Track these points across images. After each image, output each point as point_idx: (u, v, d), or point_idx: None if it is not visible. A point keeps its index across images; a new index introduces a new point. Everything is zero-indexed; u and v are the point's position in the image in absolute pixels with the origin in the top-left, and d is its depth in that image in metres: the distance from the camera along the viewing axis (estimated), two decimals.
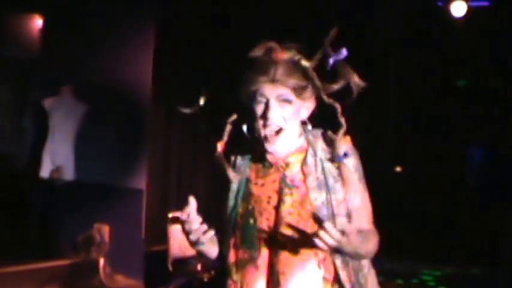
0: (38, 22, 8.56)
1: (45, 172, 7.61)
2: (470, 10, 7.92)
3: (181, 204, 7.68)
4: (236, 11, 8.35)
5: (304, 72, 2.29)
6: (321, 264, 2.30)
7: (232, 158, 2.54)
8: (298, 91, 2.30)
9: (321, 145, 2.36)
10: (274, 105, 2.30)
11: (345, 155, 2.31)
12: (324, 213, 2.26)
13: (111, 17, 7.63)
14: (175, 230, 6.49)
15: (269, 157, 2.39)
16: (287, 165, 2.37)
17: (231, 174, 2.44)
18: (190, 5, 8.32)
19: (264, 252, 2.35)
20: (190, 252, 6.48)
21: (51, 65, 7.82)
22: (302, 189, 2.33)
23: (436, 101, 9.22)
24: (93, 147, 7.54)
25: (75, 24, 7.70)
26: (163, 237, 6.65)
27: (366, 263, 2.37)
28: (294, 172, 2.36)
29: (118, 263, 7.03)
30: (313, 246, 2.17)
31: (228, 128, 2.52)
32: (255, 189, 2.41)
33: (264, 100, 2.32)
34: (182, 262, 6.47)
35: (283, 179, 2.36)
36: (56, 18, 7.95)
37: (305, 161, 2.35)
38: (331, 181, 2.31)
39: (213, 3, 8.39)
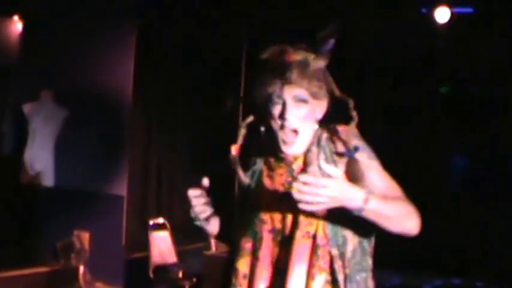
0: (17, 27, 8.57)
1: (25, 178, 7.60)
2: (454, 16, 7.97)
3: (161, 212, 7.75)
4: (217, 18, 8.38)
5: (317, 72, 2.33)
6: (314, 253, 2.30)
7: (250, 159, 2.57)
8: (313, 91, 2.33)
9: (324, 134, 2.39)
10: (290, 105, 2.32)
11: (356, 149, 2.30)
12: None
13: (91, 22, 7.63)
14: (156, 237, 6.61)
15: (281, 154, 2.40)
16: (295, 159, 2.40)
17: (243, 177, 2.51)
18: (172, 11, 8.34)
19: (267, 243, 2.38)
20: (172, 259, 6.61)
21: (30, 69, 7.84)
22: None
23: (419, 107, 9.31)
24: (73, 153, 7.56)
25: (55, 29, 7.71)
26: (144, 245, 6.70)
27: (368, 267, 2.35)
28: (299, 164, 2.39)
29: (98, 270, 7.02)
30: (310, 234, 2.27)
31: (243, 131, 2.51)
32: (264, 182, 2.46)
33: (280, 101, 2.34)
34: (163, 269, 6.54)
35: (290, 172, 2.39)
36: (36, 23, 7.95)
37: (309, 149, 2.37)
38: (335, 159, 2.33)
39: (194, 10, 8.40)
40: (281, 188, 2.39)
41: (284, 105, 2.32)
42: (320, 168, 2.18)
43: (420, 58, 8.96)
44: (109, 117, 7.64)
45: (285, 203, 2.29)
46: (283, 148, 2.35)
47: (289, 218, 2.34)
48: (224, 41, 8.49)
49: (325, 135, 2.37)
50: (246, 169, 2.53)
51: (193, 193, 2.54)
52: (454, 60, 8.87)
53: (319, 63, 2.34)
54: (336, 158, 2.31)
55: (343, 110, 2.39)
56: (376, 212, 2.15)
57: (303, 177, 2.07)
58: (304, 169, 2.35)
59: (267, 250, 2.38)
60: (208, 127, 8.96)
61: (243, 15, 8.27)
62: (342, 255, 2.28)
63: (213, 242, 6.64)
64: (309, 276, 2.29)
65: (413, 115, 9.14)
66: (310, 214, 2.26)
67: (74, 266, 6.86)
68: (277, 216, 2.37)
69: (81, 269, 6.89)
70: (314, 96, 2.33)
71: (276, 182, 2.42)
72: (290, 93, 2.32)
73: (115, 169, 7.62)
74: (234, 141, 2.51)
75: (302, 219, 2.31)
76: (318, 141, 2.37)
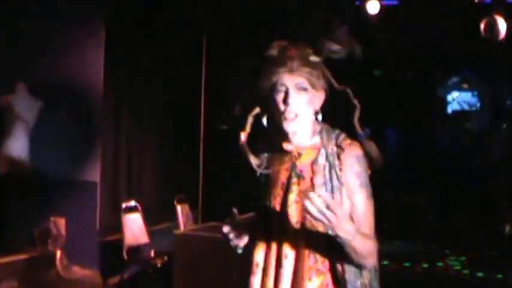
0: None
1: (1, 168, 7.66)
2: (383, 8, 8.61)
3: (132, 195, 7.92)
4: (185, 11, 8.59)
5: (315, 64, 2.49)
6: (311, 255, 2.43)
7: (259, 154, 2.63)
8: (312, 80, 2.48)
9: (331, 148, 2.50)
10: (293, 92, 2.46)
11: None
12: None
13: (62, 15, 7.75)
14: (128, 219, 6.79)
15: (285, 146, 2.54)
16: (299, 155, 2.52)
17: (254, 161, 2.58)
18: (141, 5, 8.52)
19: (277, 234, 2.50)
20: (144, 240, 6.83)
21: (4, 63, 7.84)
22: (308, 182, 2.48)
23: (355, 89, 9.73)
24: (49, 143, 7.63)
25: (26, 23, 7.78)
26: (117, 227, 6.87)
27: (366, 274, 2.46)
28: (303, 164, 2.51)
29: (74, 255, 7.18)
30: (309, 237, 2.41)
31: (251, 120, 2.60)
32: (272, 174, 2.57)
33: (284, 89, 2.48)
34: (136, 250, 6.75)
35: (293, 168, 2.51)
36: (6, 17, 7.92)
37: (316, 160, 2.50)
38: (335, 182, 2.44)
39: (163, 3, 8.58)
40: (286, 182, 2.52)
41: (287, 92, 2.47)
42: (325, 182, 2.42)
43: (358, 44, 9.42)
44: (81, 107, 7.78)
45: (288, 198, 2.48)
46: (284, 124, 2.47)
47: (290, 213, 2.47)
48: (186, 31, 8.71)
49: (332, 147, 2.48)
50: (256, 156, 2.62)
51: (226, 229, 2.54)
52: (385, 47, 9.47)
53: (317, 57, 2.50)
54: (336, 177, 2.43)
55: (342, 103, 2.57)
56: (353, 247, 2.28)
57: (322, 193, 2.21)
58: (311, 177, 2.46)
59: (277, 240, 2.49)
60: (175, 114, 9.18)
61: (203, 7, 8.46)
62: (341, 262, 2.41)
63: (181, 221, 6.93)
64: (306, 277, 2.42)
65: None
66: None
67: (51, 251, 7.00)
68: (281, 209, 2.50)
69: (58, 254, 7.05)
70: (313, 86, 2.48)
71: (282, 175, 2.53)
72: (292, 81, 2.47)
73: (88, 157, 7.75)
74: (242, 129, 2.57)
75: (303, 219, 2.44)
76: (326, 155, 2.48)
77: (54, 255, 7.05)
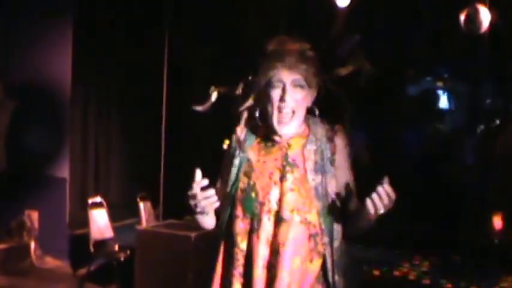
0: None
1: None
2: (353, 1, 8.08)
3: (99, 191, 8.14)
4: (156, 10, 8.64)
5: (312, 61, 2.55)
6: (311, 238, 2.53)
7: (239, 134, 2.68)
8: (309, 78, 2.53)
9: (321, 132, 2.59)
10: (289, 89, 2.51)
11: (328, 139, 2.60)
12: (318, 191, 2.51)
13: (29, 14, 7.86)
14: (94, 214, 6.98)
15: (275, 137, 2.60)
16: (289, 145, 2.57)
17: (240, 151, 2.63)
18: (109, 3, 8.67)
19: (265, 223, 2.54)
20: (109, 234, 7.06)
21: None
22: (301, 169, 2.54)
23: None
24: (24, 142, 7.85)
25: None
26: (85, 222, 7.04)
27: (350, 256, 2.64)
28: (295, 153, 2.56)
29: (47, 246, 7.52)
30: (307, 220, 2.51)
31: (245, 114, 2.67)
32: (257, 166, 2.59)
33: (280, 85, 2.52)
34: (102, 244, 6.92)
35: (285, 158, 2.55)
36: None
37: (305, 146, 2.56)
38: (327, 165, 2.54)
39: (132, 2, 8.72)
40: (277, 172, 2.56)
41: (284, 88, 2.52)
42: (316, 163, 2.50)
43: (326, 40, 9.55)
44: (50, 105, 7.92)
45: (282, 186, 2.52)
46: (277, 128, 2.54)
47: (286, 201, 2.52)
48: (153, 23, 8.76)
49: (321, 131, 2.58)
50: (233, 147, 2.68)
51: (195, 188, 2.46)
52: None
53: (312, 53, 2.56)
54: (328, 162, 2.53)
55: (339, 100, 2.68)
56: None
57: (388, 188, 2.37)
58: (304, 162, 2.54)
59: (265, 229, 2.54)
60: (141, 114, 9.36)
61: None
62: (331, 243, 2.53)
63: (143, 218, 7.17)
64: (307, 259, 2.53)
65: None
66: (307, 202, 2.51)
67: (25, 242, 7.37)
68: (274, 198, 2.54)
69: (32, 245, 7.42)
70: (309, 83, 2.54)
71: (270, 166, 2.57)
72: (289, 77, 2.52)
73: (58, 154, 7.94)
74: (237, 124, 2.66)
75: (300, 205, 2.52)
76: (315, 140, 2.56)
77: (29, 246, 7.34)
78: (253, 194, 2.56)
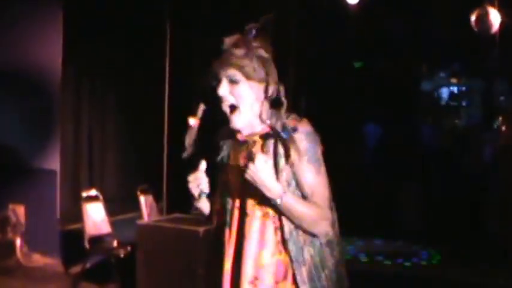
0: None
1: None
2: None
3: (93, 184, 7.87)
4: None
5: (255, 57, 2.57)
6: (277, 230, 2.59)
7: (218, 141, 2.80)
8: (247, 72, 2.55)
9: (279, 126, 2.60)
10: (224, 84, 2.57)
11: (293, 130, 2.56)
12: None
13: (18, 3, 7.68)
14: (89, 208, 6.70)
15: (238, 136, 2.67)
16: (254, 143, 2.63)
17: (188, 148, 2.75)
18: None
19: (236, 218, 2.66)
20: (106, 229, 6.73)
21: None
22: None
23: (336, 80, 9.68)
24: (9, 131, 7.63)
25: None
26: (77, 216, 6.79)
27: (317, 240, 2.60)
28: (257, 150, 2.60)
29: (35, 243, 7.21)
30: (269, 214, 2.58)
31: (202, 106, 2.72)
32: (231, 164, 2.70)
33: (217, 81, 2.59)
34: (98, 240, 6.67)
35: (250, 155, 2.57)
36: None
37: (265, 143, 2.62)
38: (282, 162, 2.55)
39: None
40: (240, 169, 2.61)
41: (219, 84, 2.59)
42: (275, 159, 2.54)
43: (337, 37, 9.42)
44: (40, 95, 7.70)
45: (247, 183, 2.56)
46: (231, 124, 2.61)
47: (249, 196, 2.62)
48: (148, 12, 8.63)
49: (283, 133, 2.57)
50: (215, 147, 2.80)
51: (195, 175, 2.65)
52: (367, 38, 9.37)
53: (259, 51, 2.59)
54: (281, 157, 2.55)
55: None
56: (288, 209, 2.51)
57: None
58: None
59: (236, 223, 2.65)
60: (136, 101, 9.18)
61: None
62: (291, 233, 2.56)
63: (145, 212, 6.86)
64: (276, 252, 2.60)
65: (332, 88, 9.57)
66: (263, 199, 2.56)
67: (10, 239, 7.05)
68: (243, 195, 2.64)
69: (18, 241, 7.10)
70: (248, 77, 2.56)
71: (239, 163, 2.64)
72: (224, 73, 2.57)
73: (47, 145, 7.69)
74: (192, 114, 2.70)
75: (261, 200, 2.58)
76: (276, 135, 2.59)
77: (14, 242, 7.06)
78: (227, 191, 2.71)
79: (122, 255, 6.44)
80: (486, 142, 9.37)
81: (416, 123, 10.62)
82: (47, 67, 7.69)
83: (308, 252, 2.59)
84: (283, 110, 2.62)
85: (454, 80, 11.91)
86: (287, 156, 2.54)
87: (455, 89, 11.94)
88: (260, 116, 2.61)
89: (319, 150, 2.59)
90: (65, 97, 8.10)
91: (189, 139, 2.74)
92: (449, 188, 9.08)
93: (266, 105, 2.62)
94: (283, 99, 2.60)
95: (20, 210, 7.28)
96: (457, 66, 11.62)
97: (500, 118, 8.88)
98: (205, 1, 8.80)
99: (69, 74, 8.10)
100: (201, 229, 5.47)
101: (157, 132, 8.32)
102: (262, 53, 2.60)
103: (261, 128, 2.63)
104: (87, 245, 6.51)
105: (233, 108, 2.60)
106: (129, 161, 9.46)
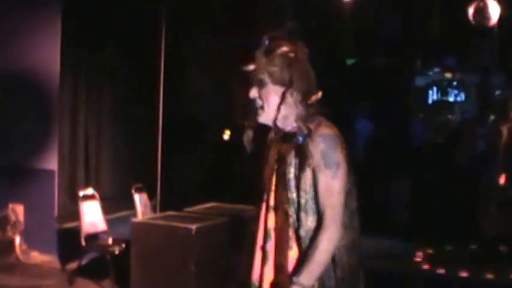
0: None
1: None
2: None
3: (90, 183, 7.92)
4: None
5: (278, 59, 2.71)
6: (291, 226, 2.71)
7: (268, 140, 2.91)
8: (272, 76, 2.70)
9: (306, 129, 2.68)
10: (254, 87, 2.75)
11: (308, 134, 2.65)
12: (292, 184, 2.67)
13: (17, 1, 7.74)
14: (86, 207, 6.77)
15: (270, 135, 2.86)
16: (283, 142, 2.76)
17: (247, 147, 2.86)
18: None
19: (263, 212, 2.81)
20: (102, 227, 6.83)
21: None
22: (285, 163, 2.73)
23: (327, 77, 9.72)
24: (8, 132, 7.69)
25: None
26: (75, 215, 6.88)
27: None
28: (285, 149, 2.73)
29: (33, 241, 7.31)
30: (285, 210, 2.71)
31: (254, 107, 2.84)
32: (265, 160, 2.85)
33: (252, 84, 2.77)
34: (94, 237, 6.75)
35: (279, 152, 2.76)
36: None
37: (292, 142, 2.71)
38: (306, 161, 2.63)
39: None
40: (273, 165, 2.80)
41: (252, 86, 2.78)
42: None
43: (330, 33, 9.44)
44: (38, 95, 7.75)
45: (272, 180, 2.77)
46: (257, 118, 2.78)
47: (275, 194, 2.75)
48: (144, 13, 8.71)
49: (305, 131, 2.67)
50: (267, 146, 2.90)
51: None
52: (359, 33, 9.42)
53: (287, 56, 2.71)
54: (305, 157, 2.64)
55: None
56: (318, 274, 2.61)
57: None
58: (288, 155, 2.72)
59: (263, 217, 2.80)
60: (133, 103, 9.26)
61: None
62: (307, 233, 2.66)
63: (139, 210, 6.95)
64: (288, 247, 2.71)
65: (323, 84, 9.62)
66: (285, 193, 2.70)
67: (10, 237, 7.16)
68: (269, 191, 2.79)
69: (17, 240, 7.22)
70: (273, 81, 2.70)
71: (272, 159, 2.80)
72: (256, 76, 2.74)
73: (46, 145, 7.74)
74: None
75: (283, 198, 2.71)
76: (301, 137, 2.68)
77: (13, 241, 7.17)
78: (262, 184, 2.82)
79: (117, 252, 6.49)
80: (480, 137, 9.01)
81: (408, 119, 10.57)
82: (45, 69, 7.74)
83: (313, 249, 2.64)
84: (311, 113, 2.72)
85: (448, 75, 11.82)
86: (303, 160, 2.64)
87: (448, 84, 11.85)
88: (292, 118, 2.72)
89: (337, 154, 2.63)
90: (63, 99, 8.15)
91: (247, 139, 2.83)
92: (441, 184, 9.02)
93: (295, 107, 2.72)
94: (310, 102, 2.72)
95: (20, 209, 7.39)
96: (451, 61, 11.46)
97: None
98: (200, 2, 8.85)
99: (66, 76, 8.18)
100: (194, 226, 5.54)
101: (151, 133, 8.36)
102: (291, 56, 2.71)
103: (290, 129, 2.74)
104: (83, 242, 6.59)
105: (261, 108, 2.74)
106: (125, 161, 9.51)
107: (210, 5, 8.80)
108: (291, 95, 2.70)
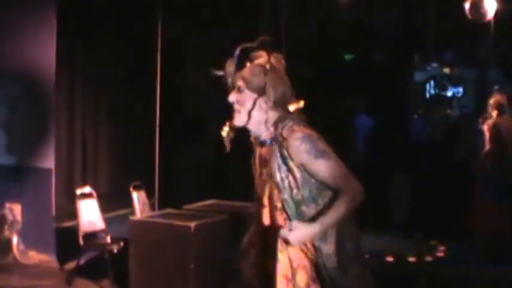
0: None
1: None
2: None
3: (87, 181, 7.89)
4: None
5: (256, 69, 2.96)
6: (285, 220, 2.93)
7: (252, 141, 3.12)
8: (248, 83, 2.94)
9: (281, 131, 2.92)
10: (233, 92, 2.97)
11: (270, 141, 2.95)
12: (282, 186, 2.90)
13: (11, 4, 7.67)
14: (84, 205, 6.77)
15: (251, 138, 3.08)
16: (262, 145, 3.01)
17: (227, 144, 3.07)
18: None
19: (258, 208, 3.06)
20: (100, 226, 6.82)
21: None
22: (270, 166, 2.97)
23: (327, 73, 9.71)
24: (4, 131, 7.68)
25: None
26: (72, 214, 6.88)
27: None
28: (265, 152, 2.99)
29: (31, 240, 7.31)
30: (278, 207, 2.95)
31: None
32: (257, 160, 3.08)
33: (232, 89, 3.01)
34: (92, 236, 6.75)
35: (260, 155, 3.02)
36: None
37: (272, 147, 2.95)
38: (291, 163, 2.87)
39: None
40: (259, 166, 3.06)
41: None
42: (279, 164, 2.88)
43: (328, 29, 9.45)
44: (34, 94, 7.72)
45: (261, 180, 3.04)
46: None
47: (264, 190, 3.01)
48: (140, 10, 8.67)
49: (280, 138, 2.91)
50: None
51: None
52: (357, 28, 9.42)
53: (260, 60, 2.96)
54: (289, 160, 2.87)
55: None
56: (334, 223, 2.83)
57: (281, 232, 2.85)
58: (270, 158, 2.95)
59: (257, 213, 3.07)
60: (130, 100, 9.21)
61: None
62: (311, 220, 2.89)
63: (137, 208, 6.94)
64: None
65: (321, 81, 9.61)
66: (275, 192, 2.94)
67: (7, 237, 7.17)
68: (260, 190, 3.05)
69: (15, 239, 7.21)
70: (249, 87, 2.94)
71: (257, 161, 3.06)
72: (235, 82, 2.97)
73: (42, 144, 7.72)
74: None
75: (271, 195, 2.97)
76: (276, 139, 2.93)
77: (11, 240, 7.18)
78: (255, 185, 3.08)
79: (115, 251, 6.49)
80: (479, 132, 9.31)
81: (407, 114, 10.58)
82: (41, 67, 7.71)
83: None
84: (284, 119, 2.93)
85: (446, 70, 11.85)
86: (288, 162, 2.87)
87: (447, 79, 11.85)
88: (265, 123, 2.95)
89: (318, 144, 2.87)
90: (59, 97, 8.12)
91: (227, 138, 3.04)
92: (440, 179, 8.90)
93: (270, 113, 2.95)
94: (288, 108, 2.94)
95: (17, 208, 7.39)
96: (450, 56, 11.52)
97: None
98: (196, 2, 8.84)
99: (63, 74, 8.14)
100: (192, 224, 5.54)
101: (149, 130, 8.39)
102: (267, 66, 2.95)
103: (265, 133, 2.98)
104: (81, 241, 6.58)
105: (238, 112, 2.97)
106: (122, 159, 9.49)
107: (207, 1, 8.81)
108: (265, 102, 2.93)
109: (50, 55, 7.70)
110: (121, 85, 9.32)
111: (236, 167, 9.27)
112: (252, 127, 2.98)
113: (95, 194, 6.95)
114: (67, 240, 7.04)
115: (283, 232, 2.84)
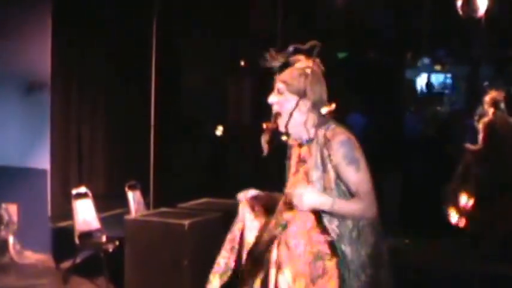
0: None
1: None
2: None
3: (83, 181, 7.92)
4: None
5: (297, 72, 3.08)
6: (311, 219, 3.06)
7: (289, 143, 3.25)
8: (289, 86, 3.06)
9: (321, 138, 3.04)
10: (273, 94, 3.11)
11: (328, 141, 3.00)
12: (318, 186, 3.01)
13: (5, 5, 7.70)
14: (79, 205, 6.79)
15: (289, 140, 3.21)
16: (300, 146, 3.13)
17: (264, 149, 3.19)
18: None
19: (280, 206, 3.18)
20: (95, 225, 6.86)
21: None
22: (307, 165, 3.08)
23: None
24: (0, 133, 7.73)
25: None
26: (68, 214, 6.90)
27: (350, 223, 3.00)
28: (305, 152, 3.10)
29: (27, 240, 7.34)
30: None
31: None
32: (288, 162, 3.22)
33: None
34: (88, 235, 6.78)
35: (299, 155, 3.13)
36: None
37: (310, 147, 3.07)
38: (328, 164, 2.99)
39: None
40: (294, 167, 3.18)
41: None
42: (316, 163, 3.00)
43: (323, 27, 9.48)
44: (30, 94, 7.74)
45: (297, 177, 3.13)
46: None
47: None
48: (135, 11, 8.70)
49: (322, 141, 3.02)
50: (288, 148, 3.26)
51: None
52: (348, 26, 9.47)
53: (305, 69, 3.06)
54: (327, 161, 2.98)
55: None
56: (339, 212, 2.94)
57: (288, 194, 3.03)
58: (308, 157, 3.07)
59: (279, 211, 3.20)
60: (125, 100, 9.27)
61: None
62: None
63: (133, 208, 6.97)
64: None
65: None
66: None
67: (3, 237, 7.19)
68: (292, 186, 3.11)
69: (11, 239, 7.24)
70: (290, 90, 3.06)
71: (292, 162, 3.19)
72: (276, 84, 3.10)
73: (38, 144, 7.76)
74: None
75: None
76: (319, 141, 3.03)
77: (7, 241, 7.20)
78: (285, 183, 3.20)
79: (111, 250, 6.53)
80: (470, 129, 8.97)
81: (399, 112, 10.58)
82: (37, 69, 7.75)
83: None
84: (323, 121, 3.05)
85: (437, 67, 11.93)
86: (325, 162, 2.99)
87: (438, 76, 11.96)
88: (304, 124, 3.06)
89: (355, 151, 2.99)
90: (54, 97, 8.14)
91: (264, 140, 3.17)
92: (431, 177, 8.95)
93: (311, 115, 3.07)
94: (324, 112, 3.06)
95: (13, 208, 7.42)
96: (441, 53, 11.55)
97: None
98: (192, 3, 8.86)
99: (57, 75, 8.16)
100: (187, 222, 5.56)
101: (144, 130, 8.41)
102: (307, 71, 3.06)
103: (306, 135, 3.09)
104: (77, 241, 6.61)
105: (278, 114, 3.11)
106: (117, 159, 9.53)
107: (203, 2, 8.83)
108: (305, 104, 3.05)
109: (45, 56, 7.74)
110: (116, 85, 9.34)
111: (230, 166, 9.37)
112: (292, 128, 3.09)
113: (90, 194, 6.95)
114: (63, 240, 7.08)
115: (299, 189, 2.95)
